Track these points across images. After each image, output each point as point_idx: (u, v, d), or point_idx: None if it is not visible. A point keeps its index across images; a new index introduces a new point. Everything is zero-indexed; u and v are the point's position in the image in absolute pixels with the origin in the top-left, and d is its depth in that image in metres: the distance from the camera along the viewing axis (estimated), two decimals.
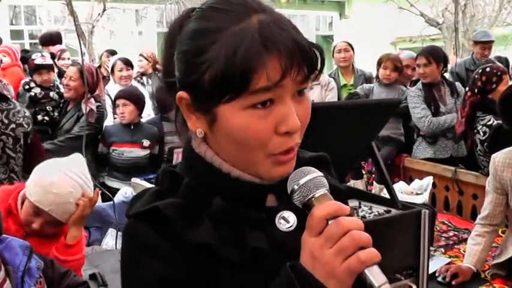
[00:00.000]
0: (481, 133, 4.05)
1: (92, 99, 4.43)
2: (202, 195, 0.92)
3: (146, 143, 4.52)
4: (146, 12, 14.38)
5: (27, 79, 5.00)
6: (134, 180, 4.01)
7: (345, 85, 5.85)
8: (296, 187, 0.88)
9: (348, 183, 4.85)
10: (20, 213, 2.20)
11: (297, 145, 0.93)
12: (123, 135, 4.51)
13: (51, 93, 4.80)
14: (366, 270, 0.81)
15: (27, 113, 3.44)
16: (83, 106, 4.34)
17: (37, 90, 4.76)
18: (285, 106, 0.88)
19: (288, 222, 0.94)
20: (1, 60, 3.35)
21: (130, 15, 13.88)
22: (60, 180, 2.20)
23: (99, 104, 4.48)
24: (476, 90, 4.13)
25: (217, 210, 0.91)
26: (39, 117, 4.64)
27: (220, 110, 0.88)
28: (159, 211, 0.89)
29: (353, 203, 2.82)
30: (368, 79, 5.82)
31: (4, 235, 1.80)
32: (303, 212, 0.89)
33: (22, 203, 2.23)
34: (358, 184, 5.25)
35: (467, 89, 4.30)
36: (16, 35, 14.64)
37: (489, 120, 4.01)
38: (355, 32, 14.09)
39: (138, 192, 1.00)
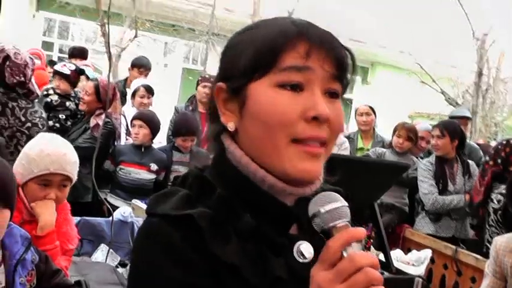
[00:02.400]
0: (495, 201, 4.02)
1: (103, 115, 4.46)
2: (233, 209, 0.92)
3: (154, 167, 4.53)
4: (175, 46, 14.60)
5: (49, 85, 5.08)
6: (135, 201, 4.01)
7: (361, 148, 5.82)
8: (319, 212, 0.87)
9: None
10: (20, 200, 2.20)
11: (326, 143, 0.92)
12: (132, 156, 4.54)
13: (68, 103, 4.87)
14: None
15: (44, 114, 3.49)
16: (92, 120, 4.38)
17: (54, 97, 4.86)
18: (314, 94, 0.90)
19: (304, 256, 0.92)
20: (34, 63, 3.41)
21: (159, 45, 14.08)
22: (46, 144, 2.27)
23: (108, 120, 4.50)
24: (499, 161, 4.12)
25: (245, 229, 0.90)
26: (51, 123, 4.70)
27: (251, 88, 0.92)
28: (192, 220, 0.88)
29: None
30: (386, 147, 5.81)
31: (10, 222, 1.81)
32: (321, 242, 0.88)
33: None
34: (357, 246, 5.17)
35: (487, 158, 4.28)
36: (47, 46, 14.90)
37: (504, 189, 3.98)
38: (374, 99, 14.24)
39: (164, 190, 0.98)
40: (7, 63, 3.19)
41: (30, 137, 3.21)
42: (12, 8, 14.20)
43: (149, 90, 5.63)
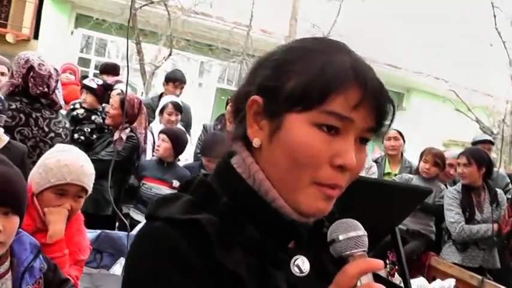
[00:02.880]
0: None
1: (127, 130, 4.49)
2: (237, 219, 0.91)
3: (176, 184, 4.52)
4: (210, 66, 14.76)
5: (77, 100, 5.16)
6: None
7: (388, 173, 5.72)
8: (340, 238, 0.88)
9: None
10: (34, 209, 2.23)
11: (342, 188, 0.93)
12: (155, 171, 4.55)
13: (93, 117, 4.93)
14: None
15: (67, 124, 3.53)
16: (115, 134, 4.42)
17: (80, 111, 4.92)
18: (347, 142, 0.89)
19: (302, 268, 0.94)
20: (58, 73, 3.46)
21: (194, 65, 14.26)
22: (64, 155, 2.31)
23: (132, 135, 4.53)
24: None
25: (248, 242, 0.90)
26: (76, 136, 4.76)
27: (289, 117, 0.90)
28: (199, 225, 0.86)
29: None
30: (413, 173, 5.70)
31: (19, 229, 1.83)
32: (316, 258, 0.94)
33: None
34: (380, 273, 5.08)
35: None
36: (84, 63, 15.25)
37: None
38: (409, 125, 14.08)
39: (167, 195, 0.97)
40: (31, 74, 3.23)
41: (52, 147, 3.26)
42: (52, 25, 14.67)
43: (177, 108, 5.57)
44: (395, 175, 5.55)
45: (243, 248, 0.89)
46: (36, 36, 15.39)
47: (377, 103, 0.90)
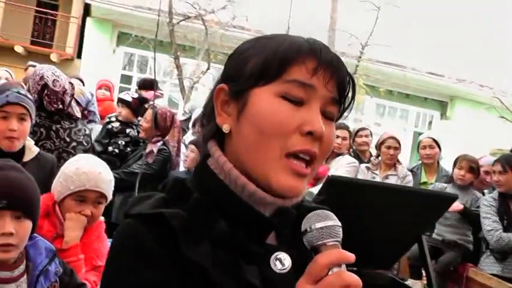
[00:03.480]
0: None
1: (159, 143, 4.53)
2: (208, 214, 0.92)
3: None
4: None
5: (113, 114, 5.25)
6: None
7: (425, 183, 5.58)
8: (312, 228, 0.86)
9: (406, 282, 4.60)
10: (56, 216, 2.28)
11: (313, 164, 0.93)
12: None
13: (128, 130, 5.00)
14: None
15: (87, 131, 3.58)
16: (148, 146, 4.48)
17: (115, 124, 5.00)
18: (313, 111, 0.91)
19: (282, 264, 0.94)
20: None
21: None
22: (82, 163, 2.35)
23: (164, 148, 4.57)
24: None
25: (219, 236, 0.90)
26: (110, 148, 4.84)
27: (254, 93, 0.93)
28: (164, 218, 0.88)
29: None
30: (447, 181, 5.56)
31: (34, 234, 1.88)
32: (300, 256, 0.91)
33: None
34: (417, 284, 4.96)
35: None
36: (126, 79, 15.60)
37: None
38: (454, 135, 13.81)
39: (141, 194, 0.99)
40: (45, 91, 3.28)
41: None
42: (95, 44, 15.06)
43: None
44: (432, 184, 5.43)
45: (214, 242, 0.89)
46: (79, 56, 15.88)
47: (334, 71, 0.93)
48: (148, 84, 7.34)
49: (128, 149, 4.95)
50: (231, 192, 0.94)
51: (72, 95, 3.48)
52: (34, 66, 5.98)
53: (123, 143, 4.95)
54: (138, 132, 4.97)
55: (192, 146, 4.68)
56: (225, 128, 0.96)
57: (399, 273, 5.01)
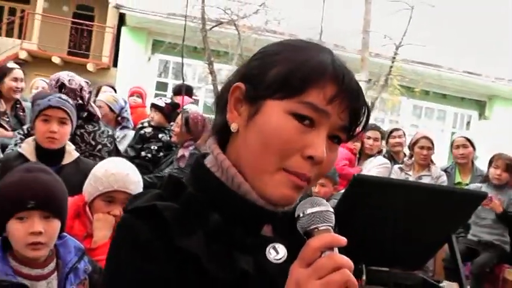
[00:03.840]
0: None
1: (190, 147, 4.59)
2: (201, 207, 0.94)
3: None
4: None
5: (146, 119, 5.33)
6: None
7: (459, 183, 5.48)
8: (304, 213, 0.87)
9: (441, 284, 4.54)
10: (86, 216, 2.35)
11: (310, 180, 0.95)
12: None
13: (160, 135, 5.06)
14: None
15: (110, 132, 3.66)
16: (179, 151, 4.54)
17: (148, 129, 5.08)
18: (320, 135, 0.92)
19: (277, 253, 0.95)
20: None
21: None
22: (110, 165, 2.43)
23: (195, 152, 4.61)
24: None
25: (213, 228, 0.93)
26: (143, 153, 4.92)
27: (268, 103, 0.93)
28: (157, 211, 0.91)
29: None
30: (482, 181, 5.45)
31: (64, 233, 1.94)
32: (295, 246, 0.89)
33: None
34: (452, 286, 4.87)
35: None
36: (161, 86, 15.80)
37: None
38: (493, 135, 13.52)
39: (139, 192, 1.03)
40: (63, 90, 3.38)
41: (102, 158, 3.39)
42: (130, 52, 15.31)
43: None
44: (467, 185, 5.34)
45: (208, 234, 0.91)
46: (115, 64, 16.19)
47: (352, 101, 0.93)
48: (178, 90, 7.43)
49: (161, 153, 5.01)
50: (226, 188, 0.96)
51: (90, 92, 3.56)
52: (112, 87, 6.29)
53: (156, 148, 5.02)
54: (171, 137, 5.04)
55: None
56: (233, 127, 0.97)
57: (435, 274, 4.95)
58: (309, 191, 4.51)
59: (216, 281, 0.89)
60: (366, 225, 2.58)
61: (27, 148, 2.84)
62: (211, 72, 11.29)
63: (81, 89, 3.45)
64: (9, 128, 4.49)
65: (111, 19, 16.65)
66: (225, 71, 12.23)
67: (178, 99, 6.66)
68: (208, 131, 4.84)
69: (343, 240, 0.84)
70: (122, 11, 15.45)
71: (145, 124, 5.16)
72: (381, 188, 2.57)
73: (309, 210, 0.87)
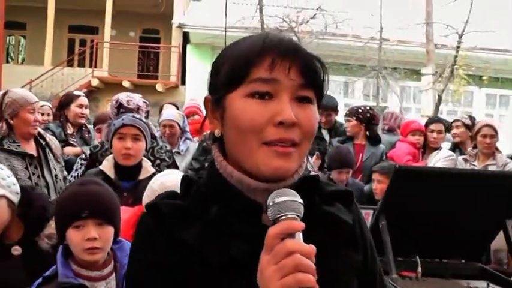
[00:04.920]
0: None
1: None
2: (204, 201, 1.05)
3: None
4: (353, 84, 14.68)
5: (208, 131, 5.48)
6: None
7: None
8: (271, 203, 0.94)
9: None
10: None
11: (298, 146, 1.02)
12: None
13: None
14: None
15: (168, 147, 3.82)
16: None
17: (210, 141, 5.21)
18: (281, 102, 1.00)
19: None
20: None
21: (332, 86, 14.31)
22: (166, 178, 2.55)
23: None
24: None
25: (212, 219, 1.03)
26: (207, 165, 5.05)
27: (228, 99, 1.04)
28: (158, 207, 1.05)
29: (481, 284, 2.64)
30: None
31: (120, 238, 2.11)
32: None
33: None
34: None
35: None
36: None
37: None
38: None
39: (163, 192, 1.16)
40: (121, 110, 3.58)
41: None
42: (197, 69, 15.64)
43: None
44: None
45: (208, 225, 1.01)
46: (183, 82, 16.63)
47: (293, 59, 1.00)
48: None
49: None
50: (226, 182, 1.06)
51: (147, 112, 3.75)
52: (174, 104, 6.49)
53: None
54: None
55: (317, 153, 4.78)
56: (217, 133, 1.08)
57: (510, 267, 4.79)
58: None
59: (212, 267, 0.98)
60: (415, 216, 2.61)
61: (107, 165, 3.05)
62: None
63: (138, 108, 3.65)
64: (77, 146, 4.82)
65: (176, 39, 17.15)
66: None
67: None
68: None
69: (298, 225, 0.90)
70: (185, 29, 15.88)
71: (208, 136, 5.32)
72: (424, 177, 2.58)
73: (276, 200, 0.93)
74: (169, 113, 5.57)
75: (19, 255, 2.23)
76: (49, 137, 3.74)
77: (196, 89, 14.94)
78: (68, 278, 1.87)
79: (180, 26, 15.88)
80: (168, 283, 1.00)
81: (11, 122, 3.34)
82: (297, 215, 0.92)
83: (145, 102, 3.80)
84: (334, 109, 5.90)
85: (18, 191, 2.31)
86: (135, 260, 1.06)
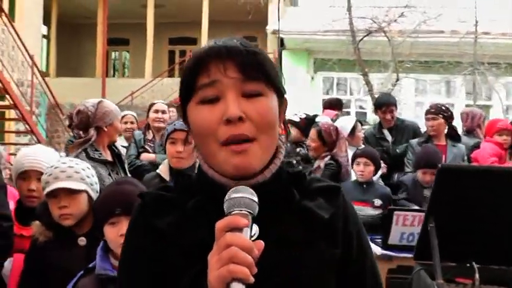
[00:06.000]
0: None
1: (326, 158, 4.72)
2: (190, 194, 1.16)
3: (377, 202, 4.55)
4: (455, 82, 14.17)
5: (283, 135, 5.53)
6: None
7: None
8: (227, 198, 1.01)
9: None
10: None
11: (256, 140, 1.08)
12: (355, 193, 4.59)
13: (298, 149, 5.30)
14: (232, 283, 0.91)
15: None
16: (316, 162, 4.71)
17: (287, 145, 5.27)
18: (226, 101, 1.08)
19: (250, 235, 1.03)
20: None
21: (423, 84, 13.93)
22: None
23: (331, 162, 4.72)
24: None
25: (188, 207, 1.14)
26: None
27: (188, 109, 1.15)
28: (143, 197, 1.20)
29: None
30: None
31: None
32: (277, 226, 1.08)
33: None
34: None
35: None
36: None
37: None
38: None
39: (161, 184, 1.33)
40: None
41: None
42: (294, 75, 15.75)
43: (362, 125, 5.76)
44: None
45: (184, 213, 1.12)
46: None
47: (226, 57, 1.08)
48: (334, 104, 7.51)
49: (300, 167, 5.20)
50: (204, 176, 1.15)
51: None
52: None
53: (295, 162, 5.21)
54: (308, 150, 5.18)
55: (365, 159, 4.69)
56: (190, 140, 1.19)
57: None
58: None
59: (180, 252, 1.09)
60: (468, 218, 2.50)
61: (163, 168, 3.24)
62: (367, 83, 11.25)
63: None
64: (151, 152, 5.14)
65: (272, 45, 17.36)
66: (381, 79, 12.09)
67: (327, 113, 6.81)
68: (341, 138, 4.96)
69: (240, 221, 0.95)
70: (280, 35, 16.01)
71: (283, 139, 5.34)
72: (469, 177, 2.47)
73: (231, 196, 1.00)
74: None
75: (84, 245, 2.45)
76: (119, 145, 4.00)
77: (293, 94, 14.99)
78: (106, 270, 2.04)
79: (275, 32, 16.06)
80: (143, 263, 1.14)
81: (105, 129, 3.56)
82: (249, 211, 0.98)
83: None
84: (394, 106, 5.80)
85: (98, 189, 2.59)
86: (124, 241, 1.21)
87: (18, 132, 13.04)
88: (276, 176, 1.15)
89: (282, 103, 1.19)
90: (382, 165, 5.00)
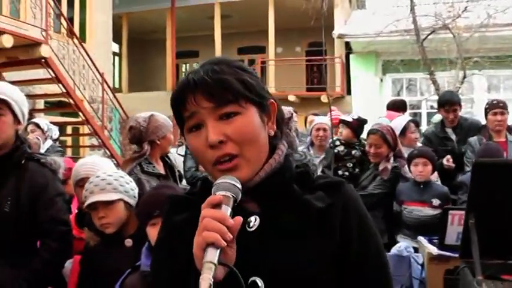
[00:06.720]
0: None
1: (391, 159, 4.74)
2: (201, 195, 1.29)
3: (436, 202, 4.51)
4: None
5: (335, 137, 5.54)
6: (420, 238, 4.07)
7: None
8: (215, 183, 1.19)
9: None
10: None
11: (241, 156, 1.22)
12: (413, 194, 4.60)
13: (353, 151, 5.29)
14: (207, 248, 1.07)
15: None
16: (382, 164, 4.72)
17: (341, 148, 5.32)
18: (207, 128, 1.23)
19: (250, 226, 1.24)
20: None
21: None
22: None
23: (395, 165, 4.74)
24: None
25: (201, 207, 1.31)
26: (340, 172, 5.16)
27: (185, 134, 1.30)
28: (170, 198, 1.41)
29: None
30: None
31: None
32: (274, 217, 1.22)
33: None
34: None
35: None
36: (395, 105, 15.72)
37: None
38: None
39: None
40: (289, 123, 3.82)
41: None
42: (362, 78, 15.63)
43: (417, 125, 5.73)
44: None
45: (195, 211, 1.19)
46: (349, 92, 16.72)
47: (197, 90, 1.22)
48: (399, 105, 7.43)
49: (356, 170, 5.22)
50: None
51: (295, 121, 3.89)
52: (317, 114, 6.71)
53: (351, 165, 5.26)
54: (362, 152, 5.24)
55: (423, 159, 4.67)
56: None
57: None
58: None
59: (190, 241, 1.20)
60: (506, 214, 2.51)
61: None
62: (434, 82, 11.01)
63: (290, 118, 3.85)
64: None
65: (338, 49, 17.33)
66: (450, 78, 11.78)
67: (391, 115, 6.76)
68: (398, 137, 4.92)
69: (214, 198, 1.13)
70: (346, 39, 15.99)
71: (337, 143, 5.37)
72: (504, 171, 2.47)
73: (217, 182, 1.18)
74: (322, 117, 6.00)
75: (130, 246, 2.66)
76: (174, 156, 4.18)
77: (362, 98, 14.96)
78: (149, 267, 2.19)
79: (340, 37, 16.02)
80: (165, 255, 1.32)
81: (158, 142, 3.68)
82: (232, 195, 1.15)
83: (290, 112, 3.97)
84: (458, 105, 5.62)
85: (136, 195, 2.78)
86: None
87: (92, 147, 13.56)
88: (275, 173, 1.28)
89: (266, 108, 1.31)
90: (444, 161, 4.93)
